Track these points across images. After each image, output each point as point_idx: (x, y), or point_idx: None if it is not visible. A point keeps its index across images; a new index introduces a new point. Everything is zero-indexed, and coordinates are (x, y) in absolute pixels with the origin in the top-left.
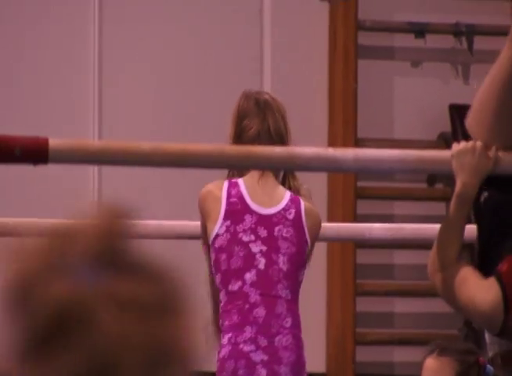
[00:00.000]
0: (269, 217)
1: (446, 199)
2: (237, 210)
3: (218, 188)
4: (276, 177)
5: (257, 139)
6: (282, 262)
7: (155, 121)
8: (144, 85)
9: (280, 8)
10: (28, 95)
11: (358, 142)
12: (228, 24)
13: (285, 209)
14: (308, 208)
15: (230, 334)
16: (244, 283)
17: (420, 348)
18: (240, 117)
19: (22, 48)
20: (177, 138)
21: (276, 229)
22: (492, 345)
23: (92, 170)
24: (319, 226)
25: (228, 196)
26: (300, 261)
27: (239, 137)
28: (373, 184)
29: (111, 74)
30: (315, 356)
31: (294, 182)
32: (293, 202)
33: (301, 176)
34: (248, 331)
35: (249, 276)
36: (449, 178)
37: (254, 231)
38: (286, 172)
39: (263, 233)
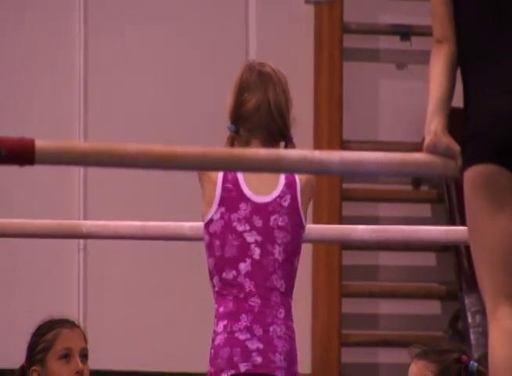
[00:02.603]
0: (264, 205)
1: (431, 201)
2: (232, 197)
3: (213, 176)
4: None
5: (256, 113)
6: (277, 253)
7: (141, 123)
8: (130, 87)
9: (265, 11)
10: (14, 97)
11: (344, 145)
12: (213, 28)
13: (280, 196)
14: (303, 183)
15: (225, 322)
16: (239, 273)
17: (405, 350)
18: (241, 89)
19: (7, 49)
20: (163, 138)
21: (272, 218)
22: (478, 346)
23: (78, 170)
24: (314, 189)
25: (224, 180)
26: (295, 248)
27: (238, 109)
28: (358, 186)
29: (97, 76)
30: (301, 357)
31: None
32: (289, 187)
33: None
34: (243, 320)
35: (243, 266)
36: (434, 181)
37: (248, 220)
38: (286, 143)
39: (258, 222)
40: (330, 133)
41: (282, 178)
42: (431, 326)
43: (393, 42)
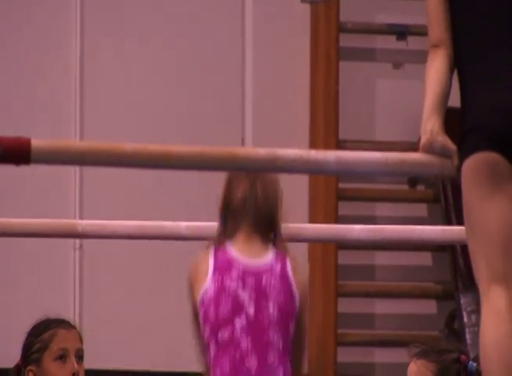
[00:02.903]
0: (256, 268)
1: (427, 201)
2: (224, 265)
3: (205, 261)
4: (264, 241)
5: (242, 208)
6: (272, 308)
7: (136, 122)
8: (126, 86)
9: (262, 10)
10: (10, 96)
11: (340, 144)
12: (209, 27)
13: (271, 262)
14: (294, 268)
15: None
16: (234, 328)
17: (401, 350)
18: (228, 184)
19: (3, 48)
20: (159, 138)
21: (264, 277)
22: (473, 346)
23: (74, 169)
24: (307, 294)
25: (216, 258)
26: (289, 311)
27: (227, 206)
28: (354, 186)
29: (93, 75)
30: None
31: (282, 244)
32: (279, 260)
33: (282, 177)
34: None
35: (239, 321)
36: (430, 180)
37: (241, 279)
38: (275, 236)
39: (251, 281)
40: (326, 133)
41: (272, 251)
42: (427, 325)
43: (389, 42)
